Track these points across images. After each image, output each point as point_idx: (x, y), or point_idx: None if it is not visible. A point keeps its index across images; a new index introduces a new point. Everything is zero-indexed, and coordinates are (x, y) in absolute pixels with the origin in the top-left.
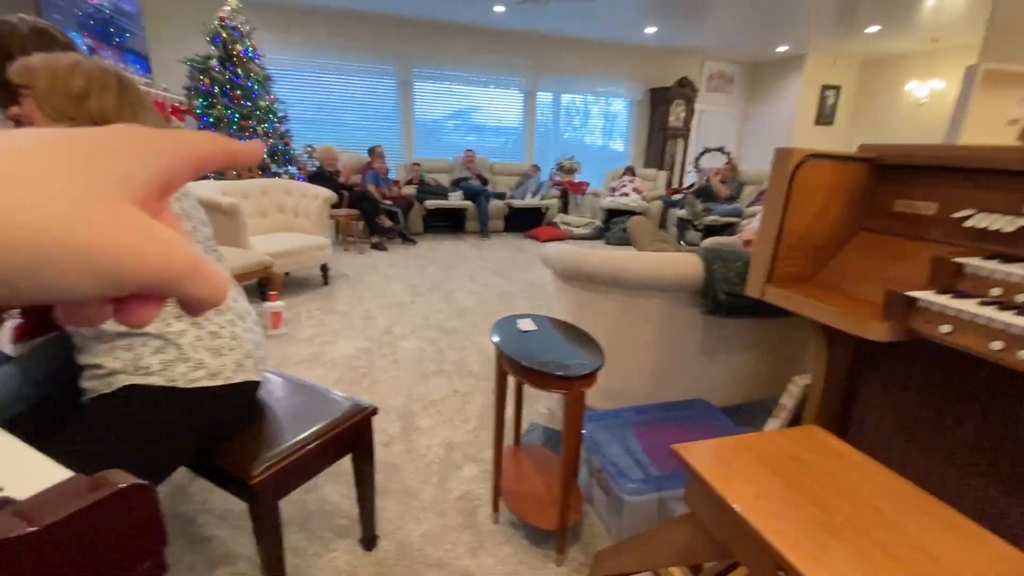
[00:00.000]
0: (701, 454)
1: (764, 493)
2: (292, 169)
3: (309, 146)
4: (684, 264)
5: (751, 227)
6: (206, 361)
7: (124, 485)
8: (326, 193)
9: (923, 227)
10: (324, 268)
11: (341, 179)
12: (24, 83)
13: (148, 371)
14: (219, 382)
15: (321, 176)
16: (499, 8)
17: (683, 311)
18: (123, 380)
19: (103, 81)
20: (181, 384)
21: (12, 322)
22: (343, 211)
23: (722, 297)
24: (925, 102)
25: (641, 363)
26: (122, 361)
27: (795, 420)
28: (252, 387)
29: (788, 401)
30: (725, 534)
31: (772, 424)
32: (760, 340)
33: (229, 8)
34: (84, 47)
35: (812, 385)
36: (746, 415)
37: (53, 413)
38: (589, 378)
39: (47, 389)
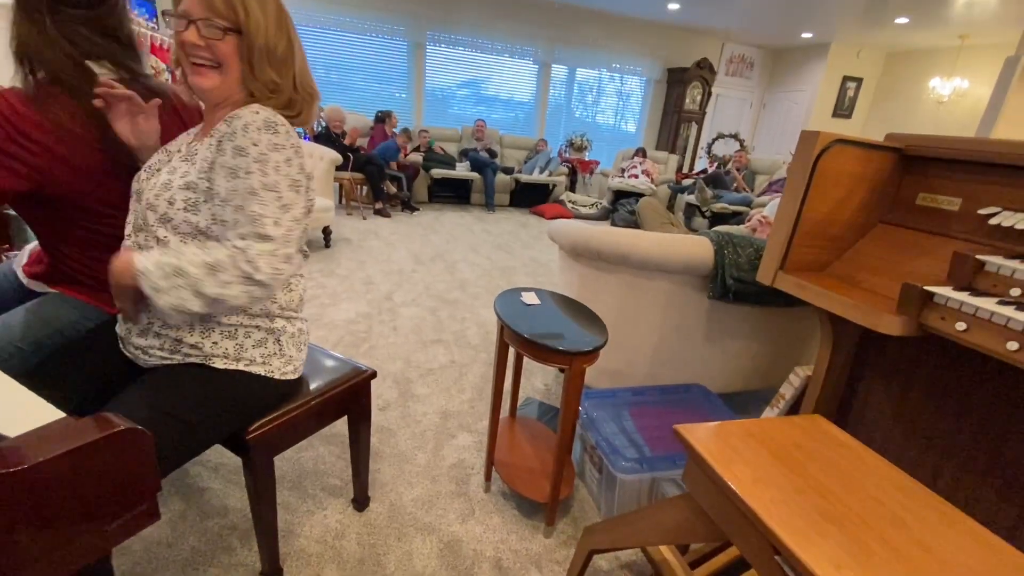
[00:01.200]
0: (702, 436)
1: (764, 477)
2: (298, 129)
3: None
4: (694, 247)
5: (759, 215)
6: (295, 356)
7: (121, 428)
8: (332, 154)
9: (945, 222)
10: (326, 231)
11: (347, 141)
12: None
13: (251, 362)
14: (298, 375)
15: (327, 137)
16: None
17: (689, 295)
18: (219, 364)
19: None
20: (277, 376)
21: (33, 246)
22: (347, 174)
23: (730, 282)
24: (947, 101)
25: (642, 344)
26: (222, 348)
27: (793, 410)
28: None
29: (788, 391)
30: (722, 516)
31: (769, 413)
32: (763, 329)
33: None
34: None
35: (814, 374)
36: (742, 403)
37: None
38: (591, 355)
39: (42, 356)
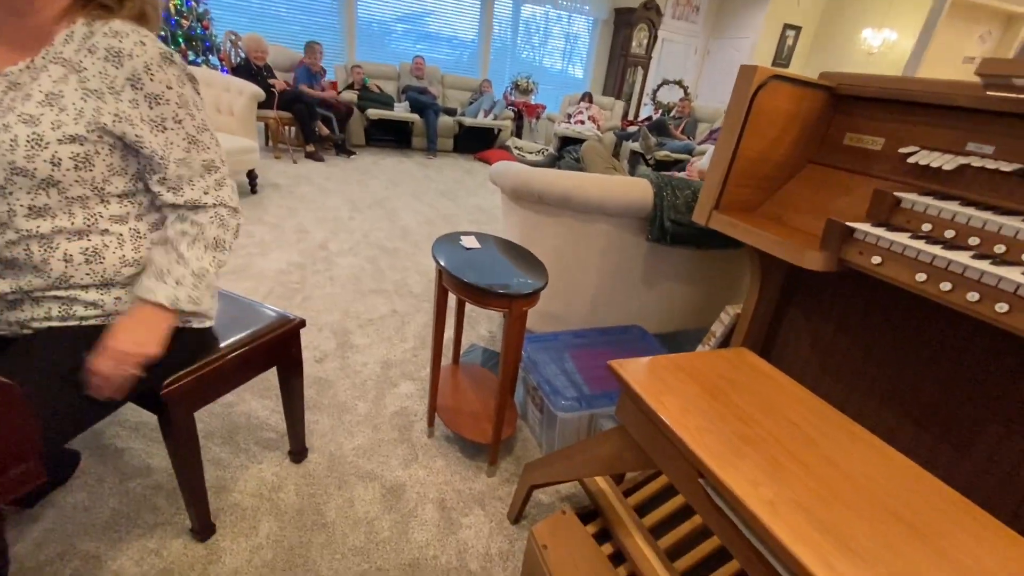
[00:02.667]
0: (635, 370)
1: (691, 408)
2: (214, 60)
3: (233, 33)
4: (634, 188)
5: (699, 164)
6: (212, 309)
7: None
8: (252, 89)
9: (869, 162)
10: (251, 175)
11: (275, 85)
12: None
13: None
14: (206, 325)
15: (248, 70)
16: None
17: (628, 238)
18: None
19: None
20: (180, 325)
21: None
22: (273, 113)
23: (668, 225)
24: (876, 52)
25: (583, 288)
26: (125, 303)
27: (724, 347)
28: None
29: (718, 329)
30: (651, 445)
31: (702, 350)
32: (699, 271)
33: None
34: None
35: (743, 311)
36: (679, 342)
37: None
38: (531, 297)
39: None
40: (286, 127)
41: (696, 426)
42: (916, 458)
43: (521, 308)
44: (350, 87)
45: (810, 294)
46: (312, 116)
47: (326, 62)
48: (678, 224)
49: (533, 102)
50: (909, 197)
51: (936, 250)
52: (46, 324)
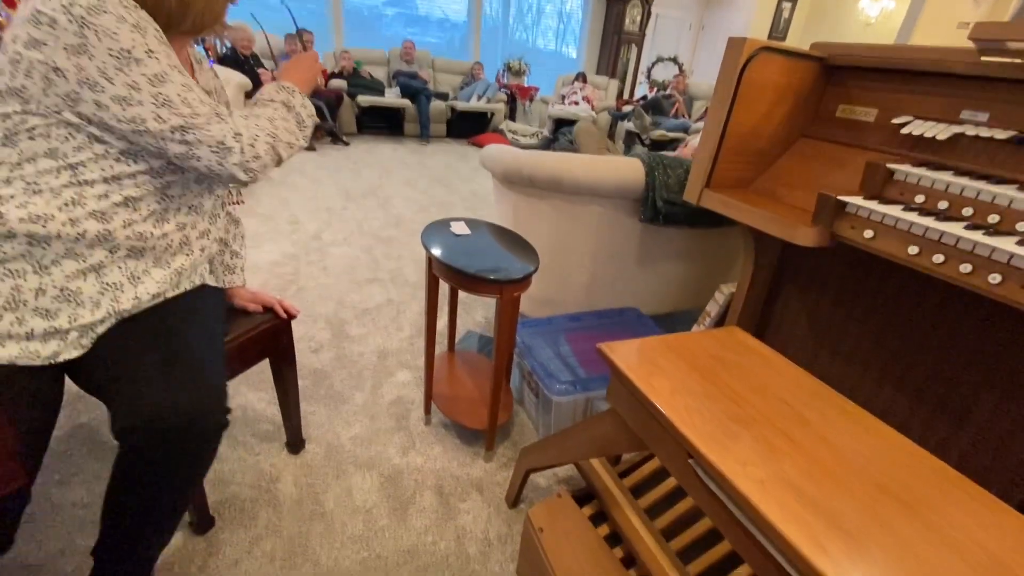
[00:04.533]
0: (624, 352)
1: (681, 388)
2: (200, 49)
3: None
4: (626, 169)
5: (694, 142)
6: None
7: None
8: (238, 78)
9: (862, 134)
10: None
11: (262, 75)
12: None
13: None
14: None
15: (235, 60)
16: None
17: (621, 219)
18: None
19: None
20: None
21: None
22: None
23: (661, 204)
24: (874, 23)
25: (577, 271)
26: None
27: (718, 326)
28: None
29: (713, 308)
30: (642, 427)
31: (696, 330)
32: (693, 250)
33: None
34: None
35: (737, 290)
36: (675, 323)
37: None
38: (522, 282)
39: None
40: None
41: (686, 407)
42: (911, 433)
43: (512, 293)
44: (339, 75)
45: (805, 271)
46: None
47: (315, 49)
48: (671, 203)
49: (526, 84)
50: (902, 169)
51: (928, 222)
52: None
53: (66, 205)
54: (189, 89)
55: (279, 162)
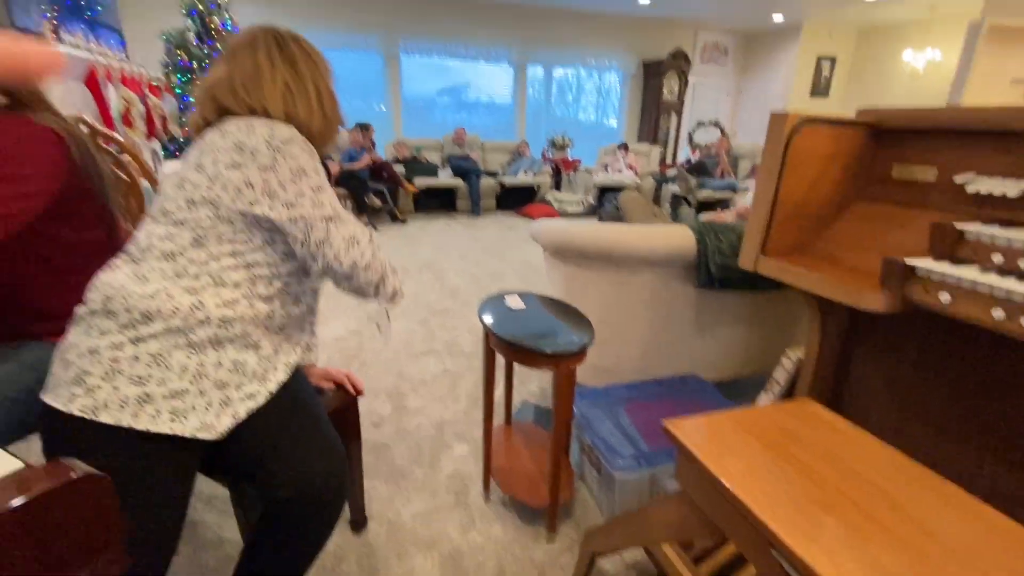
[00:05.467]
0: (691, 430)
1: (755, 468)
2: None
3: None
4: (676, 236)
5: (744, 201)
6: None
7: (77, 476)
8: None
9: (922, 194)
10: None
11: (329, 168)
12: None
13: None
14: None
15: None
16: None
17: (675, 285)
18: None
19: None
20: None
21: None
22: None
23: (715, 270)
24: (922, 73)
25: (633, 339)
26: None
27: (788, 394)
28: None
29: (781, 375)
30: (716, 512)
31: (764, 398)
32: (753, 314)
33: None
34: (46, 19)
35: (805, 357)
36: (739, 390)
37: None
38: (578, 355)
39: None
40: (343, 201)
41: (762, 490)
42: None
43: (569, 366)
44: (398, 161)
45: (878, 334)
46: (364, 190)
47: (376, 137)
48: (725, 268)
49: (570, 157)
50: (973, 228)
51: (1011, 284)
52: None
53: (244, 297)
54: (335, 198)
55: (373, 284)
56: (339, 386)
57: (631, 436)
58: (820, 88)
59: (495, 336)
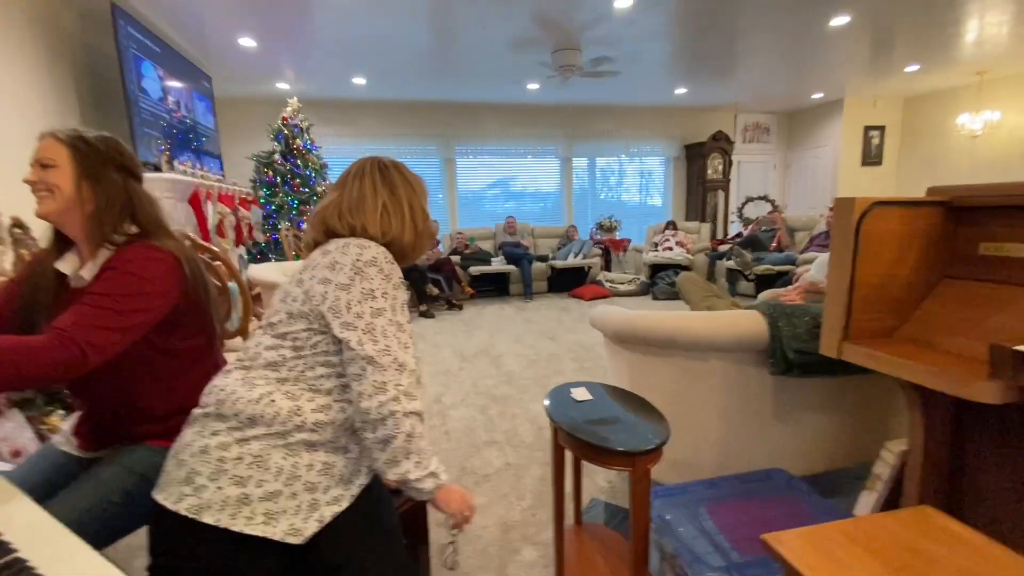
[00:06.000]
0: (796, 545)
1: None
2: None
3: None
4: (745, 322)
5: (808, 275)
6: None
7: None
8: None
9: (1017, 271)
10: None
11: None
12: None
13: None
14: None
15: None
16: (532, 86)
17: (750, 372)
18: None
19: None
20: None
21: (73, 420)
22: None
23: (792, 356)
24: (981, 134)
25: (708, 430)
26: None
27: (893, 493)
28: None
29: (883, 471)
30: None
31: (867, 498)
32: (840, 400)
33: (291, 108)
34: (161, 151)
35: (911, 454)
36: (832, 485)
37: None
38: (654, 453)
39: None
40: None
41: None
42: None
43: (645, 466)
44: (454, 252)
45: (996, 424)
46: (424, 280)
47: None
48: (803, 354)
49: (618, 237)
50: None
51: None
52: None
53: (336, 402)
54: (399, 330)
55: (399, 452)
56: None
57: (718, 543)
58: (872, 157)
59: (564, 433)
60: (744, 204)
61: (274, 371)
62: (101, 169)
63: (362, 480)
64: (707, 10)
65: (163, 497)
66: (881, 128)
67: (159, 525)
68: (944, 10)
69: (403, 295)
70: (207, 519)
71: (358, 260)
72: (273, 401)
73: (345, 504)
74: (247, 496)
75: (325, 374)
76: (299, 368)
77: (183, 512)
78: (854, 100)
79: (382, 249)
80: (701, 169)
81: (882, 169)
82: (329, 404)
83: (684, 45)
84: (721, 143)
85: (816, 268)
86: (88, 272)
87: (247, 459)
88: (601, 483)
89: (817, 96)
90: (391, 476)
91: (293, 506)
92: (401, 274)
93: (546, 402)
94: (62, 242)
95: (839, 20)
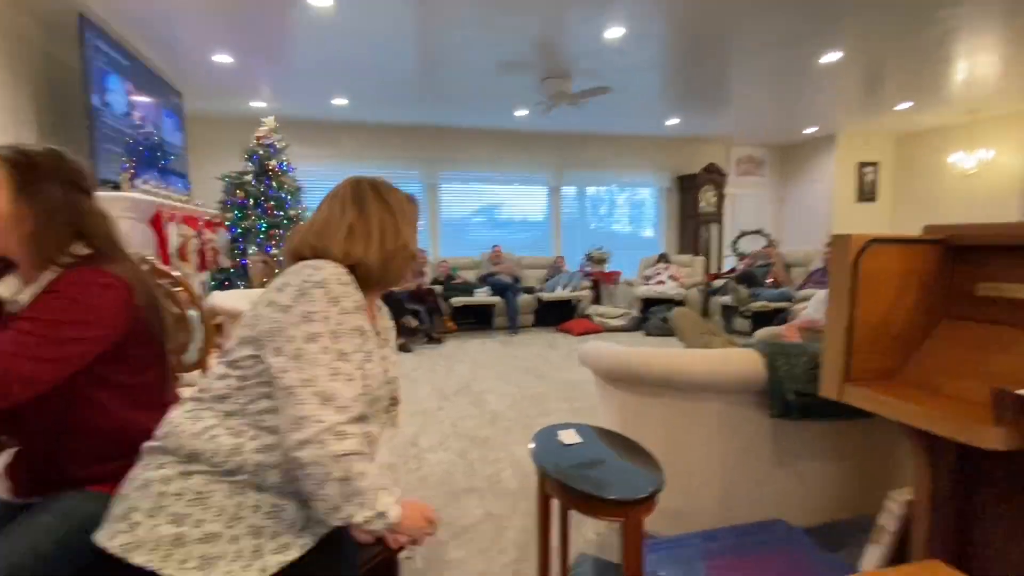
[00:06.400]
0: None
1: None
2: None
3: None
4: (743, 361)
5: (806, 313)
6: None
7: None
8: None
9: (1018, 311)
10: None
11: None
12: None
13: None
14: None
15: None
16: (521, 112)
17: (748, 415)
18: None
19: None
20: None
21: (1, 463)
22: None
23: (792, 398)
24: (975, 172)
25: (705, 477)
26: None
27: (901, 546)
28: None
29: (888, 522)
30: None
31: (874, 552)
32: (843, 445)
33: (266, 127)
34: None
35: (916, 503)
36: (835, 537)
37: None
38: (648, 502)
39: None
40: None
41: None
42: None
43: (639, 516)
44: (436, 281)
45: (1005, 470)
46: (402, 311)
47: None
48: (804, 395)
49: (608, 270)
50: None
51: None
52: None
53: (277, 443)
54: (337, 358)
55: (336, 498)
56: (379, 539)
57: None
58: (866, 193)
59: (551, 480)
60: (739, 238)
61: (221, 404)
62: (40, 184)
63: (319, 529)
64: (698, 43)
65: (100, 535)
66: (875, 164)
67: (95, 563)
68: (934, 49)
69: (356, 321)
70: (137, 559)
71: (305, 281)
72: (214, 436)
73: (294, 555)
74: (181, 537)
75: (268, 408)
76: (242, 401)
77: (112, 550)
78: (847, 136)
79: (340, 271)
80: (693, 201)
81: (877, 205)
82: (274, 445)
83: (676, 77)
84: (714, 175)
85: (813, 306)
86: (28, 296)
87: (187, 495)
88: (590, 535)
89: (810, 130)
90: (335, 522)
91: (233, 551)
92: (358, 298)
93: (531, 445)
94: (4, 264)
95: (830, 56)
